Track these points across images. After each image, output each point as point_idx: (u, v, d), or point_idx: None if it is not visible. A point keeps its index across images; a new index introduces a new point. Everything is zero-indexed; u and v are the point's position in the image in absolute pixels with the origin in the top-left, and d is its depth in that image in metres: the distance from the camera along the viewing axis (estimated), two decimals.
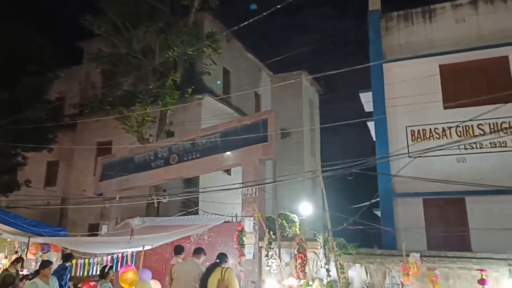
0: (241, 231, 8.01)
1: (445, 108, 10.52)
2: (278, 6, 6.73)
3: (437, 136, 10.33)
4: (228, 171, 14.24)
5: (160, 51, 12.60)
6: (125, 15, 12.53)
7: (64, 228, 11.66)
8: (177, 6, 13.70)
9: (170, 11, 13.41)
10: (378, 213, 11.62)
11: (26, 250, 10.36)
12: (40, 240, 9.69)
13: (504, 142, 9.83)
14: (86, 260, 9.29)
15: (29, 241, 10.02)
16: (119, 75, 13.73)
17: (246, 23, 7.34)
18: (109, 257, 9.15)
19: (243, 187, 8.31)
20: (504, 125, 9.82)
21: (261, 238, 7.82)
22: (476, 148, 10.00)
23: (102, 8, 12.79)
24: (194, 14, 13.38)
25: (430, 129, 10.57)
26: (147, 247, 8.50)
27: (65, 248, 9.89)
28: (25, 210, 11.37)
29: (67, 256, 9.37)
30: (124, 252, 9.02)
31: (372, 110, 11.62)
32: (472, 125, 10.08)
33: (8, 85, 14.03)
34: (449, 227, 9.50)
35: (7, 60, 14.26)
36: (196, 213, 10.50)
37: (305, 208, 15.04)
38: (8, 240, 10.91)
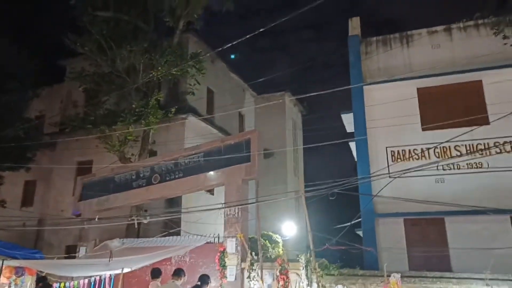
0: (223, 252, 7.92)
1: (423, 129, 10.83)
2: (262, 29, 6.89)
3: (416, 157, 10.57)
4: (211, 191, 14.13)
5: (144, 71, 12.63)
6: (109, 34, 12.56)
7: (40, 250, 11.25)
8: (161, 27, 13.84)
9: (154, 32, 13.53)
10: (360, 233, 11.69)
11: None
12: (15, 263, 9.31)
13: (480, 164, 10.13)
14: (62, 284, 8.96)
15: (2, 264, 9.62)
16: (101, 94, 13.63)
17: (230, 44, 7.47)
18: (86, 280, 8.86)
19: (225, 207, 8.27)
20: (479, 147, 10.16)
21: (243, 259, 7.75)
22: (454, 169, 10.26)
23: (86, 27, 12.80)
24: (178, 35, 13.52)
25: (410, 150, 10.83)
26: (126, 270, 8.28)
27: (40, 271, 9.53)
28: (0, 232, 10.94)
29: (39, 280, 9.00)
30: (102, 275, 8.75)
31: (353, 131, 11.85)
32: (449, 147, 10.38)
33: None
34: (430, 246, 9.62)
35: None
36: (178, 233, 10.32)
37: (289, 229, 14.96)
38: None
